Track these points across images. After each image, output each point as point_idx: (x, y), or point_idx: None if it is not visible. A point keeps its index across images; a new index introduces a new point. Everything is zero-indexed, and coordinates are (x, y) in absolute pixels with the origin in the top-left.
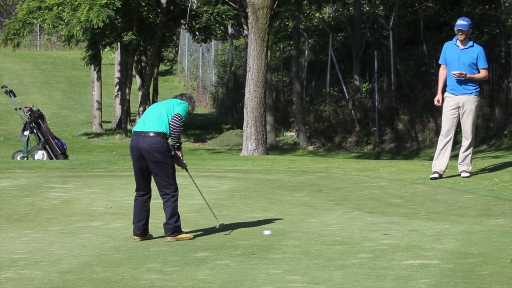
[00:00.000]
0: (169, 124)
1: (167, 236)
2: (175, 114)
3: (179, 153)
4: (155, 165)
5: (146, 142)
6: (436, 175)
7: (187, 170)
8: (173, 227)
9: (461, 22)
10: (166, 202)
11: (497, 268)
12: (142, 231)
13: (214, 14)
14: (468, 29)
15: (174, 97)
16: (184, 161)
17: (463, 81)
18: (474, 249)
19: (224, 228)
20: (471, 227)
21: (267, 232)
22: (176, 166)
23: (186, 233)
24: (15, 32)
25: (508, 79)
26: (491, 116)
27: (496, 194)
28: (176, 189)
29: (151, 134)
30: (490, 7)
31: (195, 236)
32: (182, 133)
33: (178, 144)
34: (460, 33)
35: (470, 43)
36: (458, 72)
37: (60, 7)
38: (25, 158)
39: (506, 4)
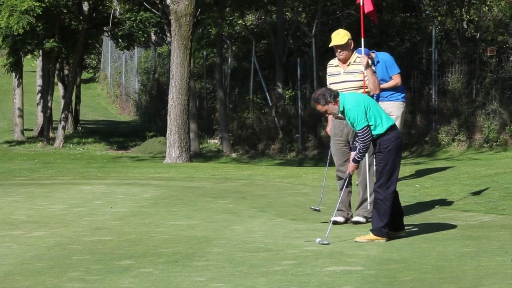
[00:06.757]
0: None
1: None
2: None
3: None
4: None
5: None
6: None
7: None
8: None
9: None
10: None
11: (419, 274)
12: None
13: (137, 21)
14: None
15: None
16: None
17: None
18: (396, 255)
19: (147, 235)
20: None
21: (318, 240)
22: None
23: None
24: None
25: (429, 86)
26: (412, 123)
27: (417, 200)
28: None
29: None
30: (411, 15)
31: (118, 246)
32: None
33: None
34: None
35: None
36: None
37: None
38: None
39: (427, 12)
